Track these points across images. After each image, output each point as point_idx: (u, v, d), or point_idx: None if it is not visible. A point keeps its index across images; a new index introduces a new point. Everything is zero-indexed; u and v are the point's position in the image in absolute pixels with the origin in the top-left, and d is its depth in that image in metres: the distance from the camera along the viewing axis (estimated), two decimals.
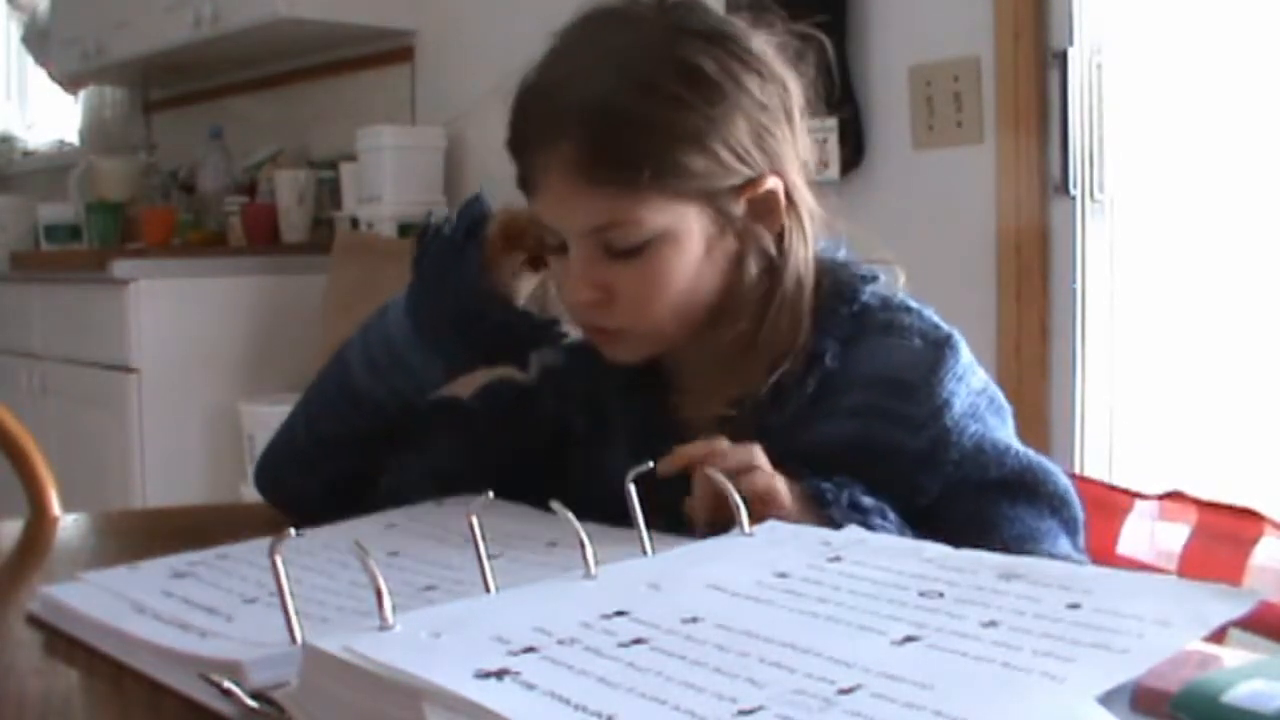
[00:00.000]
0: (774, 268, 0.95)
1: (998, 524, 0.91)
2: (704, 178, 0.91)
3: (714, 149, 0.91)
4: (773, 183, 0.94)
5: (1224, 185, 1.94)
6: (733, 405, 0.95)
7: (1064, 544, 0.92)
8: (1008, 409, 0.96)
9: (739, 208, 0.94)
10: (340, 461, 1.05)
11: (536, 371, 1.07)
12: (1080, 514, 0.94)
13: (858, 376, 0.95)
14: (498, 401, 1.08)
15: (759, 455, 0.85)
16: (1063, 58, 2.03)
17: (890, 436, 0.92)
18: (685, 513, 0.86)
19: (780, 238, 0.95)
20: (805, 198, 0.97)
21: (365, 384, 1.03)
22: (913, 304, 0.99)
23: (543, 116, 0.93)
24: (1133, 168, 2.04)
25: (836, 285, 0.98)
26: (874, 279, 0.99)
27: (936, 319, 0.97)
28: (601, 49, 0.93)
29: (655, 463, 0.81)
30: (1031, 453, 0.93)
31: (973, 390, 0.93)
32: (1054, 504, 0.92)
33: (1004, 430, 0.94)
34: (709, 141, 0.90)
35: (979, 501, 0.91)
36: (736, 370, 0.95)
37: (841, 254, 1.01)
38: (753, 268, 0.95)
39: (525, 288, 1.03)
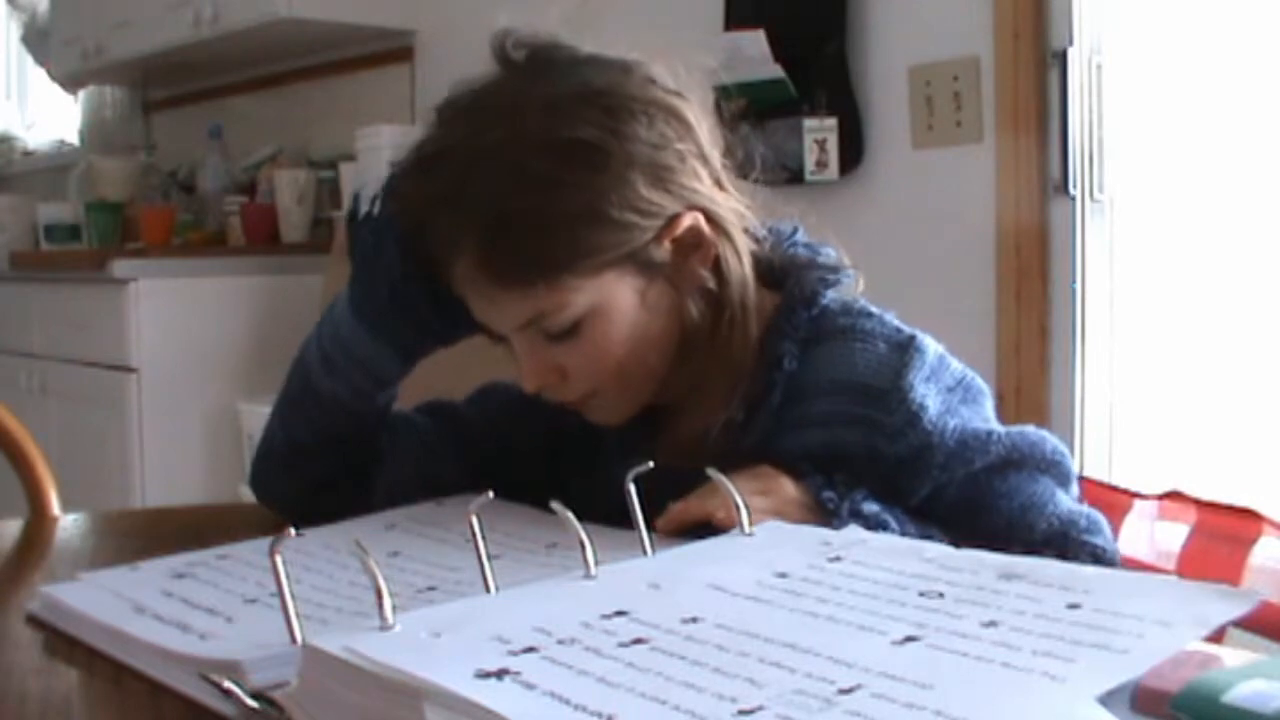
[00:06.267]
0: (718, 293, 0.94)
1: (994, 503, 0.90)
2: (613, 247, 0.89)
3: (613, 217, 0.88)
4: (690, 218, 0.92)
5: (1224, 185, 1.94)
6: (706, 432, 0.94)
7: (1063, 499, 0.92)
8: (984, 391, 0.95)
9: (663, 253, 0.91)
10: (321, 464, 1.03)
11: None
12: (1071, 467, 0.94)
13: (822, 383, 0.94)
14: (492, 403, 1.08)
15: (758, 502, 0.85)
16: (1062, 58, 2.03)
17: (863, 442, 0.91)
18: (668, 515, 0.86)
19: (716, 262, 0.94)
20: (728, 210, 0.94)
21: (326, 385, 1.01)
22: (873, 309, 0.97)
23: (440, 230, 0.91)
24: (1132, 168, 2.04)
25: (799, 286, 0.97)
26: (836, 282, 0.98)
27: (898, 323, 0.96)
28: (478, 147, 0.90)
29: (654, 463, 0.81)
30: (1013, 430, 0.92)
31: (944, 387, 0.92)
32: (1042, 466, 0.92)
33: (980, 417, 0.93)
34: (607, 212, 0.88)
35: (971, 486, 0.91)
36: (704, 397, 0.95)
37: (819, 250, 1.00)
38: (693, 308, 0.94)
39: None
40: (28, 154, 4.83)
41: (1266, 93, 1.88)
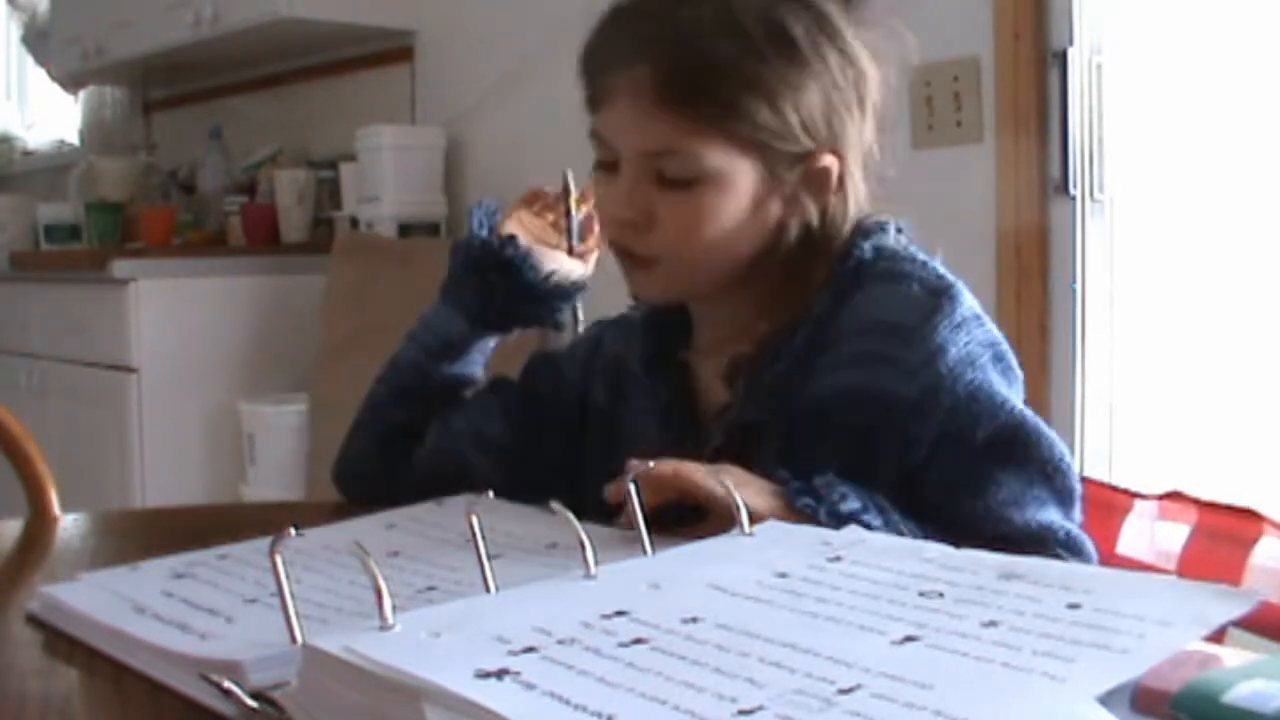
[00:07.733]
0: (807, 241, 0.98)
1: (984, 488, 0.90)
2: (767, 133, 0.94)
3: (783, 109, 0.93)
4: (829, 160, 0.97)
5: (1223, 185, 1.94)
6: (733, 364, 0.97)
7: (1052, 513, 0.90)
8: (1018, 374, 0.96)
9: (793, 175, 0.96)
10: (393, 413, 1.13)
11: (571, 326, 1.15)
12: (1077, 487, 0.93)
13: (857, 323, 0.95)
14: (534, 370, 1.13)
15: (686, 466, 0.85)
16: (1062, 57, 2.03)
17: (887, 384, 0.92)
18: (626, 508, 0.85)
19: (824, 215, 0.98)
20: (857, 185, 0.99)
21: (404, 353, 1.13)
22: (919, 254, 1.00)
23: (629, 37, 0.96)
24: (1132, 168, 2.04)
25: (850, 238, 1.00)
26: (882, 230, 1.00)
27: (941, 269, 0.98)
28: None
29: (653, 463, 0.82)
30: (1030, 413, 0.92)
31: (974, 339, 0.92)
32: (1046, 470, 0.91)
33: (1006, 387, 0.93)
34: (780, 100, 0.93)
35: (967, 464, 0.90)
36: (747, 327, 0.98)
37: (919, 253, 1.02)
38: (792, 236, 0.98)
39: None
40: (28, 154, 4.83)
41: (1266, 93, 1.88)
